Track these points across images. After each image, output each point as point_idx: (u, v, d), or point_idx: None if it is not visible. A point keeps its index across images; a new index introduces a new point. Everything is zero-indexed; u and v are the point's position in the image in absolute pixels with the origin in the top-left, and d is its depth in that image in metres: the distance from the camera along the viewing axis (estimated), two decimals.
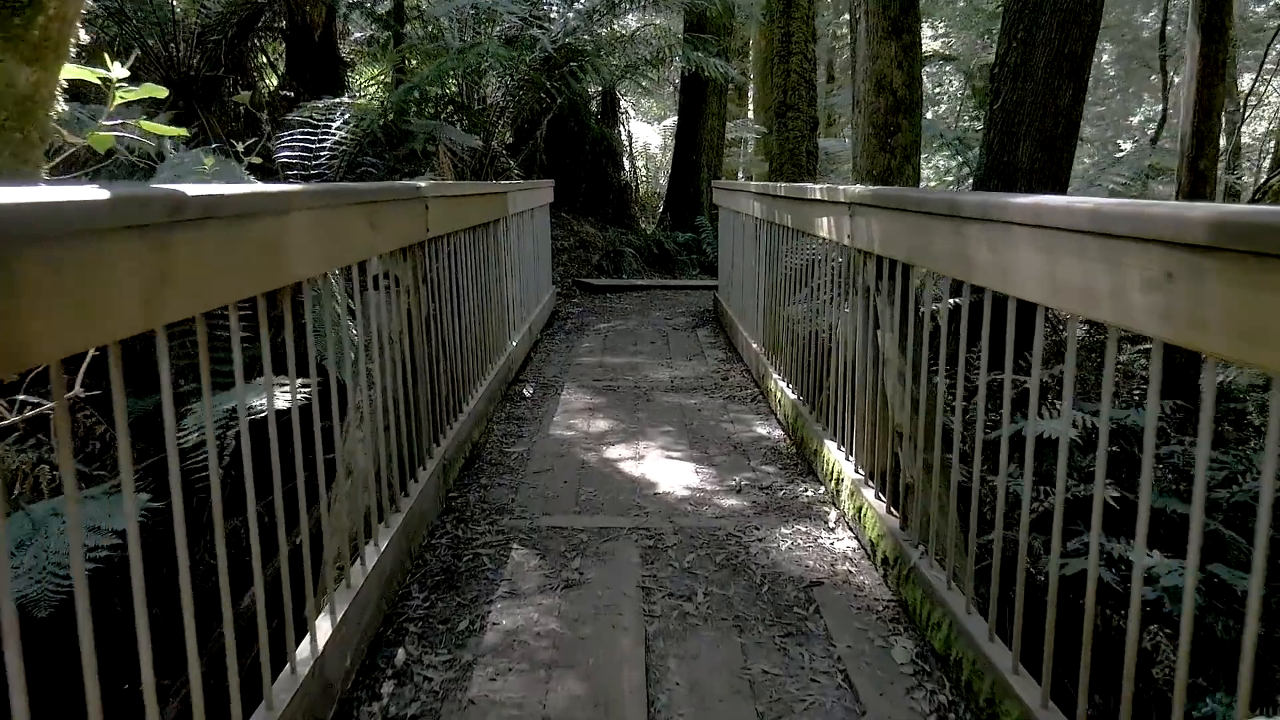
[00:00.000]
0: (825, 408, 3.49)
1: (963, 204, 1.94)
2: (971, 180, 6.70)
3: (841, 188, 2.96)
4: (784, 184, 4.09)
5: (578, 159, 11.81)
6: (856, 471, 2.95)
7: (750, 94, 23.03)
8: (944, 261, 2.08)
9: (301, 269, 1.78)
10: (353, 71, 10.62)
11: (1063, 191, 6.50)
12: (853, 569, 2.66)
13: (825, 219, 3.20)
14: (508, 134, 11.50)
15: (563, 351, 6.31)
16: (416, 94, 6.76)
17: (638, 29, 11.70)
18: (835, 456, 3.16)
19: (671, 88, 21.09)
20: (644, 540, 2.89)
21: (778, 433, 4.17)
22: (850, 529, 2.93)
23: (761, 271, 5.00)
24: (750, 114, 22.75)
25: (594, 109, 12.59)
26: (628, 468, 3.68)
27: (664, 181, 17.12)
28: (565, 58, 9.05)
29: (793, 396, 3.98)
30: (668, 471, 3.62)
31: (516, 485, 3.46)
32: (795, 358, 4.03)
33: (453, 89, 8.29)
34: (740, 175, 20.49)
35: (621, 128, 13.01)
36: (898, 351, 2.56)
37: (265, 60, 10.57)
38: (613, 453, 3.89)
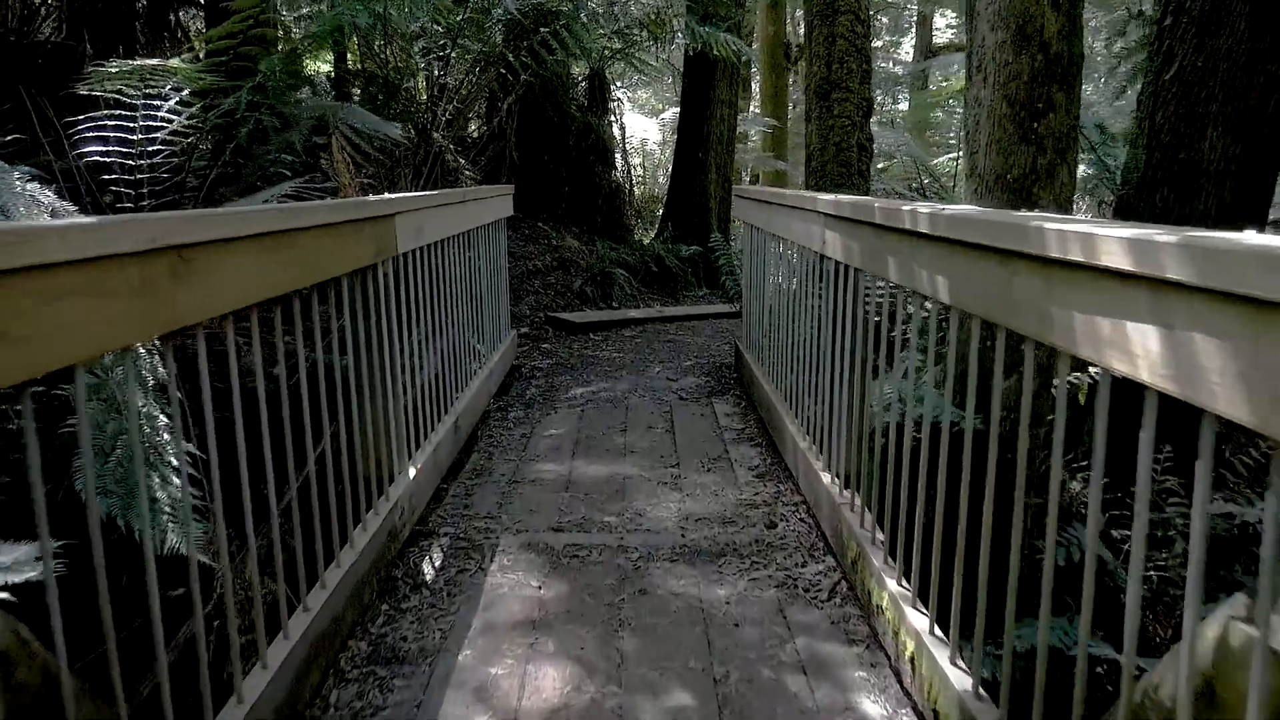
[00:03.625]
0: None
1: None
2: (1121, 184, 4.56)
3: None
4: (952, 207, 1.92)
5: (559, 156, 9.65)
6: None
7: (755, 85, 20.90)
8: None
9: None
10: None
11: (1267, 202, 4.37)
12: None
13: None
14: (469, 124, 9.35)
15: (513, 449, 4.15)
16: (305, 61, 4.60)
17: None
18: None
19: (671, 77, 18.97)
20: None
21: None
22: None
23: (841, 355, 2.86)
24: (756, 106, 20.64)
25: (579, 96, 10.42)
26: None
27: (663, 181, 14.96)
28: (536, 22, 6.89)
29: (960, 685, 1.81)
30: None
31: None
32: (944, 555, 1.88)
33: (352, 57, 6.12)
34: (745, 175, 18.38)
35: (613, 118, 10.83)
36: None
37: (182, 36, 8.42)
38: None
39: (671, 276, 9.49)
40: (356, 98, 7.53)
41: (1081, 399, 4.54)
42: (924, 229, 1.92)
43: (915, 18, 24.12)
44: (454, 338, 3.90)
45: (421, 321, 3.30)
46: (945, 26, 26.20)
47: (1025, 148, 3.47)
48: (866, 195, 6.30)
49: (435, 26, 6.82)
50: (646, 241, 10.61)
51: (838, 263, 2.82)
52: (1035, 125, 3.47)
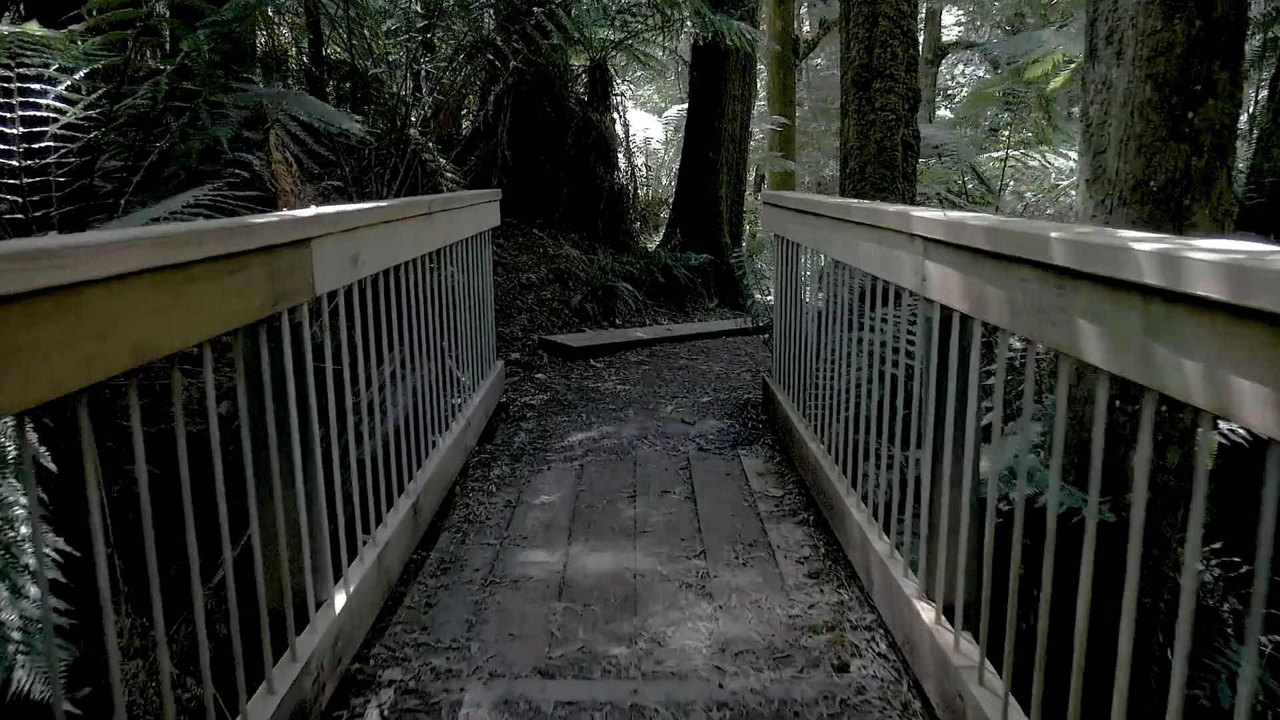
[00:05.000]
0: None
1: None
2: (1247, 190, 3.68)
3: None
4: (1260, 247, 1.03)
5: (556, 155, 8.77)
6: None
7: (760, 82, 20.00)
8: None
9: None
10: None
11: None
12: None
13: None
14: (459, 121, 8.48)
15: (494, 526, 3.27)
16: (239, 34, 3.71)
17: None
18: None
19: (674, 74, 18.07)
20: None
21: None
22: None
23: (956, 439, 1.98)
24: (762, 104, 19.76)
25: (579, 91, 9.54)
26: None
27: (668, 183, 14.08)
28: (529, 2, 6.02)
29: None
30: None
31: None
32: None
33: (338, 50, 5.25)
34: (751, 176, 17.51)
35: (615, 115, 9.94)
36: None
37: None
38: None
39: (680, 288, 8.62)
40: (332, 96, 6.67)
41: (1210, 463, 3.67)
42: (1205, 290, 1.04)
43: (924, 14, 23.29)
44: (415, 391, 3.03)
45: (361, 382, 2.43)
46: (952, 24, 25.28)
47: (1176, 145, 2.58)
48: (912, 201, 5.44)
49: (414, 7, 5.97)
50: (652, 249, 9.73)
51: (952, 311, 1.94)
52: (1190, 115, 2.57)
